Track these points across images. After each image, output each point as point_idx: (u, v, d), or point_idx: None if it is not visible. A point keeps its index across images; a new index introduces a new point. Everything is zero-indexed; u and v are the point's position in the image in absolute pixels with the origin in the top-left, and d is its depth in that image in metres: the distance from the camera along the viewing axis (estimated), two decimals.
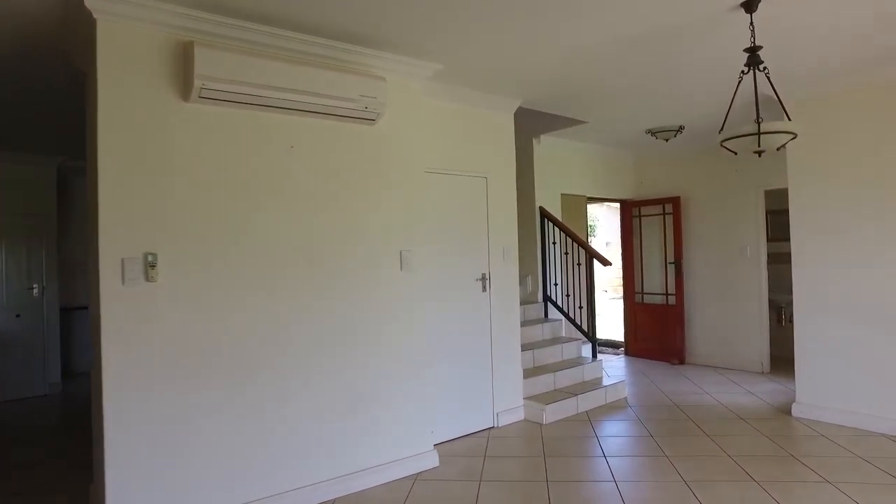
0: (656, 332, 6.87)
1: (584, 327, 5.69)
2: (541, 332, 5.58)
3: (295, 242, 3.20)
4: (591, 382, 5.19)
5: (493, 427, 4.45)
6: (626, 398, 5.17)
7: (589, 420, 4.57)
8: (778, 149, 2.99)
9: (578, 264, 5.83)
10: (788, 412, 4.53)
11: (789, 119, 2.90)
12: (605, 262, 5.48)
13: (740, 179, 6.16)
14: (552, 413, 4.57)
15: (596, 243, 14.34)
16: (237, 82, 2.80)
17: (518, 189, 5.92)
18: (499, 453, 3.90)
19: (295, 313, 3.18)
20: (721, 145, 2.99)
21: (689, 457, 3.70)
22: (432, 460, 3.70)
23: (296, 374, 3.16)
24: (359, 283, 3.43)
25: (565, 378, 5.08)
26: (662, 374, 6.08)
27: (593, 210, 16.46)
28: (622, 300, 7.42)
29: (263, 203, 3.08)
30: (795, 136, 2.89)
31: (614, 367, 6.48)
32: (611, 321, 9.31)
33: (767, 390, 5.30)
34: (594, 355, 5.56)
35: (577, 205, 6.65)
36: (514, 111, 4.65)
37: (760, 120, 2.79)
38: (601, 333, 9.06)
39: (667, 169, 6.84)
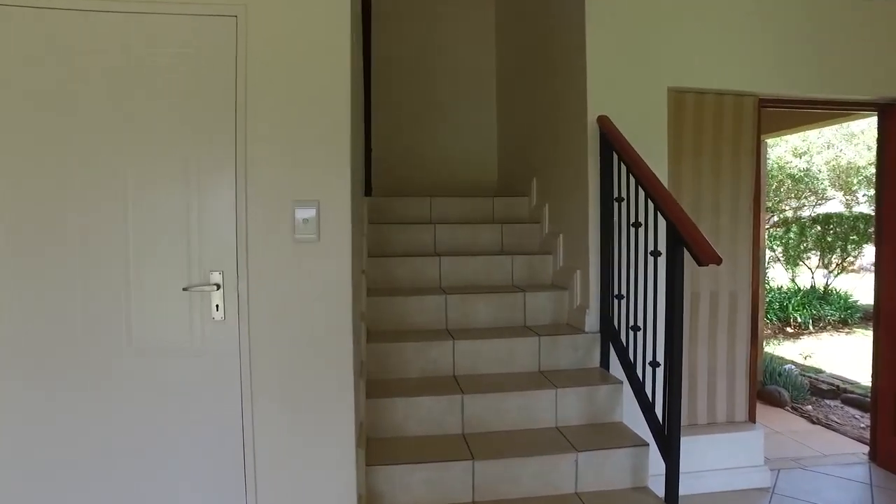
0: None
1: (660, 407, 2.21)
2: (552, 408, 2.40)
3: None
4: None
5: None
6: None
7: None
8: None
9: (658, 253, 2.32)
10: None
11: None
12: (710, 258, 1.93)
13: None
14: None
15: None
16: None
17: (543, 81, 3.01)
18: None
19: None
20: None
21: None
22: None
23: None
24: None
25: None
26: None
27: None
28: (872, 325, 3.31)
29: None
30: None
31: None
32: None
33: None
34: (671, 492, 2.09)
35: (733, 118, 2.93)
36: None
37: None
38: (857, 377, 4.69)
39: None
